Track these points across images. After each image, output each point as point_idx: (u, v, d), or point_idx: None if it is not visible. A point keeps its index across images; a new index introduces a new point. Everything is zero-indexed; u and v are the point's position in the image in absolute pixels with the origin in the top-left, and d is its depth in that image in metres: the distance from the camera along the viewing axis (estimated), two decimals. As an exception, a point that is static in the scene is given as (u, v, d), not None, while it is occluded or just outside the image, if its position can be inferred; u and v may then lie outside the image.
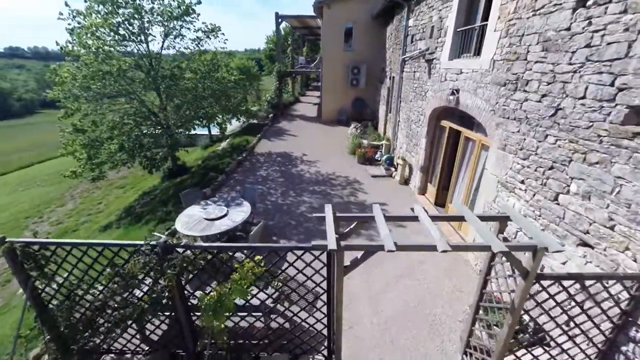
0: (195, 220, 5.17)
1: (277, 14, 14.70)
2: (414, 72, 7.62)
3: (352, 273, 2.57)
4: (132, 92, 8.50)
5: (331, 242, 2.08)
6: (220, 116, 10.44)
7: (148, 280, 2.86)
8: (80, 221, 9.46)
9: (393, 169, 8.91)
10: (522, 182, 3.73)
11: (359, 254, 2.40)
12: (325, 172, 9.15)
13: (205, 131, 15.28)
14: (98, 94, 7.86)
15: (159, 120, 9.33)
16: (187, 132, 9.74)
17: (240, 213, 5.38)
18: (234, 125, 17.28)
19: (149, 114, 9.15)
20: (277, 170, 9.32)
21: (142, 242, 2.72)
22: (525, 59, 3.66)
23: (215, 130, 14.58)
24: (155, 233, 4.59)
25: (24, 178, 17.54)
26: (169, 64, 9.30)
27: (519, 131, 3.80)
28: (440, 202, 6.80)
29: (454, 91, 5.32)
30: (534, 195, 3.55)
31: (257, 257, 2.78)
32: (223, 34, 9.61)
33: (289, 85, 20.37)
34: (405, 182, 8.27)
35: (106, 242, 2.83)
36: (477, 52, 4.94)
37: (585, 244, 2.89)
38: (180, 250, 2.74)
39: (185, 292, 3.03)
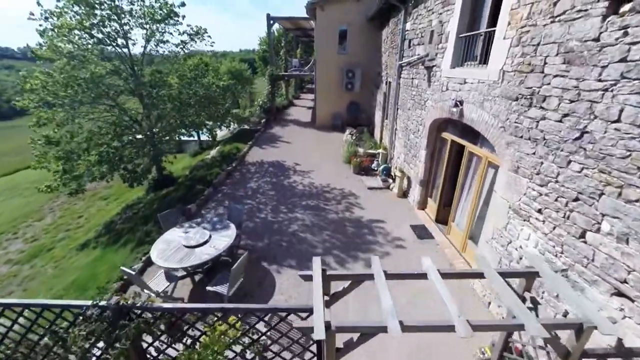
0: (174, 248, 4.65)
1: (268, 15, 14.19)
2: (412, 78, 7.18)
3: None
4: (111, 100, 7.93)
5: (318, 329, 1.58)
6: (209, 124, 9.85)
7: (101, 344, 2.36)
8: (58, 237, 8.84)
9: (390, 180, 8.46)
10: (539, 211, 3.29)
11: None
12: (319, 183, 8.66)
13: (195, 137, 14.75)
14: (74, 102, 7.27)
15: (142, 129, 8.77)
16: (171, 142, 9.15)
17: (224, 238, 4.87)
18: (224, 130, 16.73)
19: (131, 123, 8.59)
20: (269, 182, 8.81)
21: (88, 303, 2.21)
22: (542, 72, 3.21)
23: (205, 136, 14.04)
24: (124, 268, 4.05)
25: (6, 186, 16.77)
26: (150, 70, 8.72)
27: (534, 153, 3.35)
28: (442, 218, 6.35)
29: (458, 103, 4.87)
30: (554, 228, 3.10)
31: (232, 319, 2.29)
32: (209, 36, 9.08)
33: (282, 89, 19.87)
34: (404, 194, 7.82)
35: (45, 303, 2.31)
36: (484, 61, 4.50)
37: (622, 295, 2.45)
38: (138, 310, 2.25)
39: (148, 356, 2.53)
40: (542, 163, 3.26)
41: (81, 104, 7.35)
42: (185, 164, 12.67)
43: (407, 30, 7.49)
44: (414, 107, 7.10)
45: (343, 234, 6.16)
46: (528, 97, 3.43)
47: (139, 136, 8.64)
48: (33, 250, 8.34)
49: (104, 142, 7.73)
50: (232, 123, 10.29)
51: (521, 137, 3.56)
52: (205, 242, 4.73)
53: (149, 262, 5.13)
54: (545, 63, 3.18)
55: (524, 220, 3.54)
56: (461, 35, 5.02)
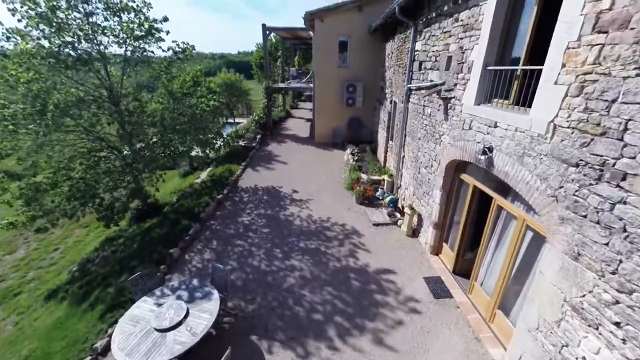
0: (141, 331, 3.78)
1: (264, 26, 13.36)
2: (424, 106, 6.35)
3: None
4: (84, 128, 7.06)
5: None
6: (196, 150, 8.97)
7: None
8: (27, 278, 7.93)
9: (398, 215, 7.62)
10: (618, 325, 2.45)
11: None
12: (319, 217, 7.81)
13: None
14: (39, 131, 6.39)
15: (121, 157, 7.88)
16: (154, 169, 8.24)
17: (204, 315, 4.00)
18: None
19: (109, 150, 7.71)
20: (263, 215, 7.94)
21: None
22: (621, 140, 2.39)
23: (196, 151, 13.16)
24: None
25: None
26: (128, 96, 7.83)
27: (607, 244, 2.52)
28: (461, 270, 5.52)
29: (486, 150, 4.04)
30: (644, 357, 2.27)
31: None
32: (193, 49, 8.16)
33: (279, 99, 19.03)
34: (414, 232, 6.99)
35: None
36: (521, 102, 3.67)
37: None
38: None
39: None
40: (621, 262, 2.42)
41: (48, 133, 6.45)
42: (174, 185, 11.78)
43: (418, 51, 6.68)
44: (426, 138, 6.27)
45: (347, 291, 5.30)
46: (596, 167, 2.60)
47: (117, 163, 7.76)
48: (-2, 295, 7.43)
49: (76, 175, 6.83)
50: (222, 147, 9.41)
51: (584, 216, 2.72)
52: (180, 323, 3.86)
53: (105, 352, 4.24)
54: (627, 129, 2.35)
55: (590, 327, 2.70)
56: (489, 68, 4.20)
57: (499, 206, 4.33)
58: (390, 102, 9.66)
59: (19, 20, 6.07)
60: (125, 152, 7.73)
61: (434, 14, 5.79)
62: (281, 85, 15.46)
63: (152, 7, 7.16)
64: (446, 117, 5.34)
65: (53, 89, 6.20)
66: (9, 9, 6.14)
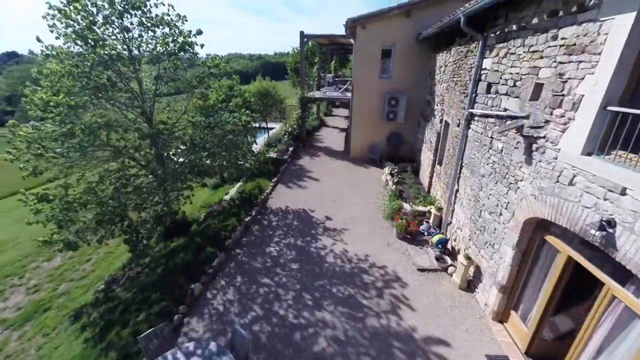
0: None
1: (302, 33, 12.72)
2: (492, 138, 5.20)
3: None
4: (116, 147, 6.82)
5: None
6: (228, 167, 8.50)
7: None
8: (58, 291, 7.96)
9: (448, 260, 6.49)
10: None
11: None
12: (354, 253, 6.92)
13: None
14: (68, 152, 6.23)
15: (151, 170, 7.60)
16: (185, 184, 7.87)
17: (218, 401, 3.31)
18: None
19: (138, 169, 7.46)
20: (292, 246, 7.23)
21: None
22: None
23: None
24: None
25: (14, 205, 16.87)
26: (161, 114, 7.54)
27: None
28: (539, 353, 4.34)
29: (604, 224, 2.90)
30: None
31: None
32: (227, 63, 7.67)
33: (314, 107, 18.35)
34: (468, 285, 5.85)
35: None
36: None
37: None
38: None
39: None
40: None
41: (78, 154, 6.26)
42: (204, 198, 11.54)
43: (486, 70, 5.52)
44: (493, 178, 5.12)
45: (389, 366, 4.37)
46: None
47: (146, 181, 7.49)
48: (31, 308, 7.49)
49: (104, 197, 6.58)
50: (253, 163, 8.85)
51: None
52: (191, 411, 3.21)
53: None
54: None
55: None
56: (611, 109, 3.04)
57: (612, 297, 3.15)
58: (440, 121, 8.49)
59: (57, 38, 5.90)
60: (157, 170, 7.42)
61: (514, 27, 4.64)
62: (316, 94, 14.75)
63: (186, 20, 6.74)
64: (529, 161, 4.19)
65: (83, 109, 5.96)
66: (49, 26, 6.00)
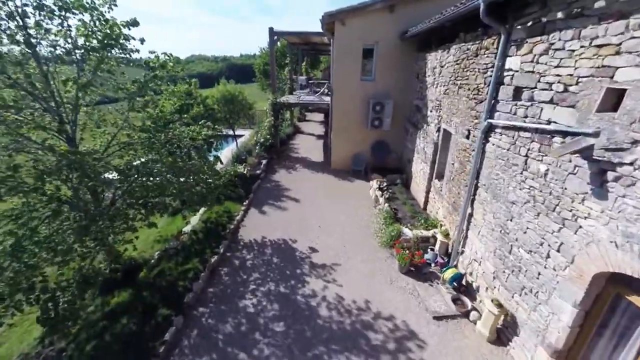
0: None
1: (271, 30, 11.17)
2: (528, 157, 4.09)
3: None
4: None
5: None
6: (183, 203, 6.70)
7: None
8: (-56, 383, 5.67)
9: (467, 301, 5.32)
10: None
11: None
12: (352, 300, 5.54)
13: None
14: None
15: (79, 208, 5.64)
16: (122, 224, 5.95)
17: None
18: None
19: (57, 205, 5.47)
20: (273, 295, 5.68)
21: None
22: None
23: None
24: None
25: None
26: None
27: None
28: None
29: None
30: None
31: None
32: (177, 63, 5.93)
33: (287, 113, 16.80)
34: (498, 337, 4.71)
35: None
36: None
37: None
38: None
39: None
40: None
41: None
42: (157, 230, 9.50)
43: (511, 71, 4.43)
44: (533, 208, 4.00)
45: None
46: None
47: (69, 223, 5.51)
48: None
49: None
50: (218, 189, 7.12)
51: None
52: None
53: None
54: None
55: None
56: None
57: None
58: (438, 130, 7.42)
59: None
60: (84, 207, 5.48)
61: (559, 15, 3.55)
62: (291, 99, 13.23)
63: (115, 5, 4.95)
64: (601, 194, 3.07)
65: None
66: None
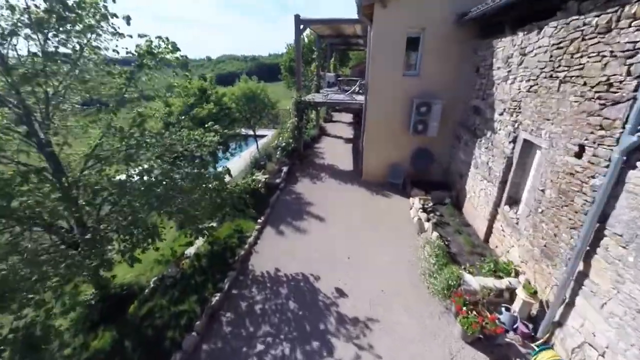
0: None
1: (297, 17, 9.68)
2: None
3: None
4: None
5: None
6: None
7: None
8: None
9: (581, 412, 3.47)
10: None
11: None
12: (398, 385, 3.88)
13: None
14: None
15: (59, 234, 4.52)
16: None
17: None
18: (232, 167, 12.40)
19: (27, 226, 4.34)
20: (286, 365, 4.17)
21: None
22: None
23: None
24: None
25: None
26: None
27: None
28: None
29: None
30: None
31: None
32: (176, 50, 4.58)
33: (312, 113, 15.28)
34: None
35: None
36: None
37: None
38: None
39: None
40: None
41: None
42: (164, 244, 8.37)
43: None
44: None
45: None
46: None
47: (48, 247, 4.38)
48: None
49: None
50: (226, 211, 5.75)
51: None
52: None
53: None
54: None
55: None
56: None
57: None
58: (513, 141, 5.51)
59: None
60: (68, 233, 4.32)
61: None
62: (317, 98, 11.69)
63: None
64: None
65: None
66: None
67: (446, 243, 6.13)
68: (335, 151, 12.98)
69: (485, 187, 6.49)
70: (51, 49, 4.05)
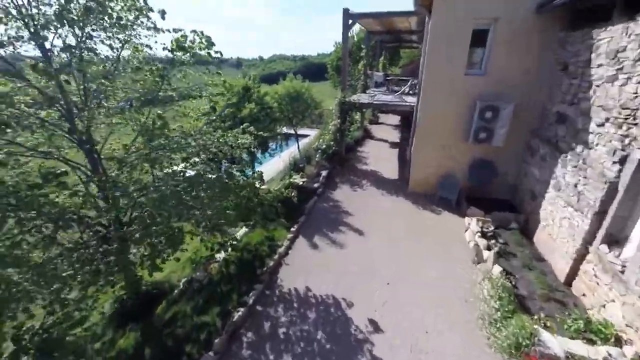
0: None
1: (346, 11, 8.96)
2: None
3: None
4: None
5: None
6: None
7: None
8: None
9: None
10: None
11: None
12: None
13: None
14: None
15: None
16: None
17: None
18: (270, 169, 12.24)
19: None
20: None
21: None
22: None
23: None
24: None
25: None
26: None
27: None
28: None
29: None
30: None
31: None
32: (210, 45, 4.22)
33: (356, 114, 14.46)
34: None
35: None
36: None
37: None
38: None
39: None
40: None
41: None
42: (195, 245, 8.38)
43: None
44: None
45: None
46: None
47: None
48: None
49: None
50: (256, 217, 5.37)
51: None
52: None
53: None
54: None
55: None
56: None
57: None
58: (621, 162, 4.18)
59: None
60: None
61: None
62: (363, 99, 10.87)
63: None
64: None
65: None
66: None
67: (513, 283, 4.97)
68: (379, 156, 12.03)
69: (571, 216, 5.14)
70: (92, 44, 3.96)
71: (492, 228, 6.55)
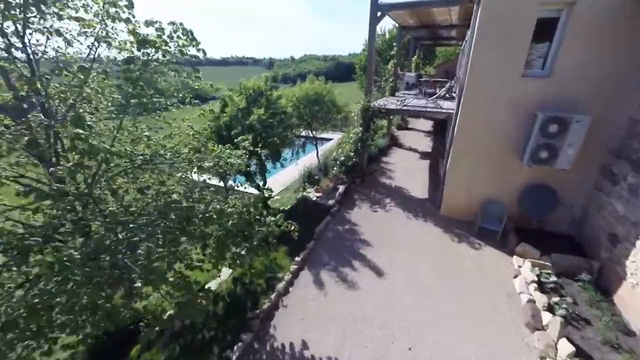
0: None
1: (374, 1, 7.68)
2: None
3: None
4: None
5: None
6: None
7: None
8: None
9: None
10: None
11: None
12: None
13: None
14: None
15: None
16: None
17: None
18: (286, 176, 11.26)
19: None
20: None
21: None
22: None
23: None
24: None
25: None
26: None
27: None
28: None
29: None
30: None
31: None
32: (193, 41, 3.27)
33: (381, 120, 13.00)
34: None
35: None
36: None
37: None
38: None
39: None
40: None
41: None
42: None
43: None
44: None
45: None
46: None
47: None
48: None
49: None
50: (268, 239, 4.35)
51: None
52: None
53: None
54: None
55: None
56: None
57: None
58: None
59: None
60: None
61: None
62: (390, 104, 9.47)
63: None
64: None
65: None
66: None
67: (578, 349, 3.50)
68: (407, 167, 10.57)
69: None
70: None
71: (553, 278, 5.01)
